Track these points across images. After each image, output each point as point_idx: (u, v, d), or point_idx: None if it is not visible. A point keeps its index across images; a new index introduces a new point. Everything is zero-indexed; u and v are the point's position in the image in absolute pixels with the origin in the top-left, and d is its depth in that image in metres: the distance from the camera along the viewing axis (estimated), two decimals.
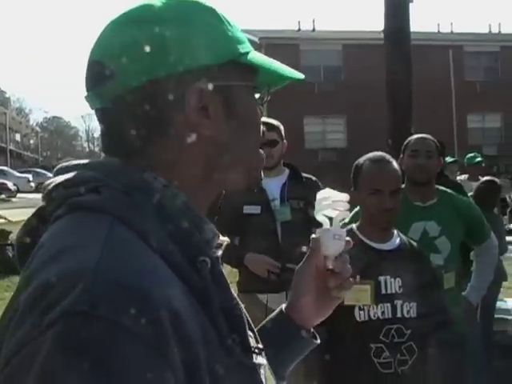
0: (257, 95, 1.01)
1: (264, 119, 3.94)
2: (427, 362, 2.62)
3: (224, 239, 0.98)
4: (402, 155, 3.64)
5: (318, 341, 1.26)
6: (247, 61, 0.96)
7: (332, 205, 1.23)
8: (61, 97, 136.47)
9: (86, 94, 0.96)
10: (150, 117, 0.89)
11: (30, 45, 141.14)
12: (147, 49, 0.88)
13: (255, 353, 0.94)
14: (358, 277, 2.51)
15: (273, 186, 3.78)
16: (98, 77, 0.91)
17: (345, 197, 1.24)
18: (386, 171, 2.64)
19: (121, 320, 0.70)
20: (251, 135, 0.99)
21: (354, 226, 2.77)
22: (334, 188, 1.35)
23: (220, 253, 0.96)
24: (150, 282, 0.75)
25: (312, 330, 1.25)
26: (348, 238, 1.19)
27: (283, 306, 1.25)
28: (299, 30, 31.25)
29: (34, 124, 73.88)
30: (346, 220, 3.08)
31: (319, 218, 1.23)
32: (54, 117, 76.69)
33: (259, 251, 3.60)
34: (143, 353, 0.70)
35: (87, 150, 78.36)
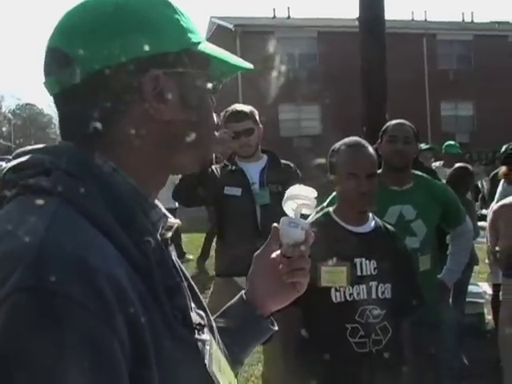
0: (209, 84, 1.05)
1: (237, 107, 3.97)
2: (401, 342, 2.70)
3: (174, 221, 1.03)
4: (379, 140, 3.69)
5: (276, 328, 1.30)
6: (199, 50, 1.00)
7: (298, 196, 1.27)
8: (34, 84, 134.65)
9: (44, 79, 0.99)
10: (105, 102, 0.93)
11: (0, 30, 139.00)
12: (103, 36, 0.92)
13: (197, 329, 0.99)
14: (334, 258, 2.58)
15: (252, 170, 3.83)
16: (57, 63, 0.95)
17: (311, 192, 1.28)
18: (362, 155, 2.70)
19: (68, 292, 0.74)
20: (205, 121, 1.03)
21: (330, 209, 2.83)
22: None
23: (170, 234, 1.02)
24: (94, 256, 0.79)
25: (270, 316, 1.29)
26: (308, 230, 1.23)
27: (243, 291, 1.29)
28: (274, 17, 31.15)
29: (7, 111, 72.83)
30: (325, 204, 3.14)
31: (286, 208, 1.27)
32: (26, 104, 75.59)
33: (239, 232, 3.64)
34: (91, 322, 0.75)
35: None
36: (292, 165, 4.09)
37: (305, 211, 1.27)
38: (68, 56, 0.93)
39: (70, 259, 0.77)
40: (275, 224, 1.25)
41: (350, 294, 2.60)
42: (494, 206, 4.34)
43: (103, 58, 0.92)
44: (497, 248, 4.03)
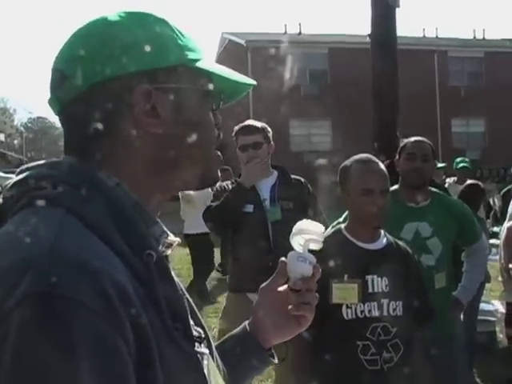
0: (212, 102, 1.06)
1: (249, 122, 3.99)
2: (412, 360, 2.68)
3: (174, 239, 1.04)
4: (397, 157, 3.68)
5: (276, 360, 1.30)
6: (196, 67, 1.02)
7: (306, 231, 1.28)
8: (45, 97, 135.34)
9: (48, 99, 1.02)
10: (100, 118, 0.95)
11: (14, 44, 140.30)
12: (89, 55, 0.95)
13: (197, 341, 1.00)
14: (345, 275, 2.58)
15: (263, 186, 3.84)
16: (56, 82, 0.99)
17: (319, 227, 1.29)
18: (375, 171, 2.69)
19: (78, 297, 0.77)
20: (203, 137, 1.02)
21: (342, 226, 2.82)
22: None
23: (169, 252, 1.04)
24: (101, 263, 0.82)
25: (271, 348, 1.29)
26: (316, 265, 1.25)
27: (246, 322, 1.30)
28: (285, 33, 31.28)
29: (19, 124, 73.39)
30: (341, 219, 3.13)
31: (294, 244, 1.28)
32: (38, 117, 76.06)
33: (251, 248, 3.64)
34: (101, 326, 0.77)
35: None
36: (303, 180, 4.09)
37: (312, 246, 1.28)
38: (63, 74, 0.97)
39: (78, 265, 0.79)
40: (283, 258, 1.26)
41: (362, 311, 2.59)
42: (508, 223, 4.32)
43: (94, 74, 0.94)
44: (510, 266, 4.01)
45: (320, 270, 1.25)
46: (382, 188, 2.66)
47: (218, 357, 1.13)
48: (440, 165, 7.61)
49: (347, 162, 2.77)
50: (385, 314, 2.61)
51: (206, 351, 1.04)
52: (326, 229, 3.46)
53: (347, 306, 2.58)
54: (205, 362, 1.01)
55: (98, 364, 0.75)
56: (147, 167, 0.98)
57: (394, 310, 2.63)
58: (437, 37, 33.49)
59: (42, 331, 0.74)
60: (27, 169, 0.96)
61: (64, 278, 0.77)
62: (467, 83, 30.51)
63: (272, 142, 3.91)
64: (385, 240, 2.75)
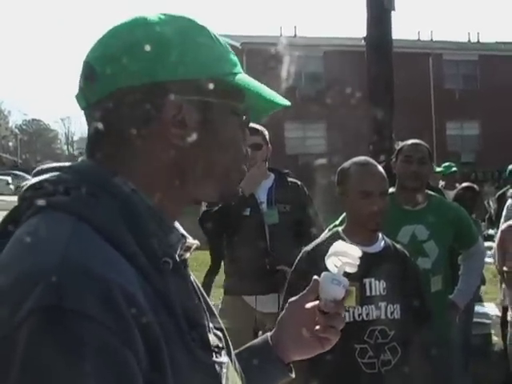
0: (243, 117, 1.03)
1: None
2: (410, 363, 2.68)
3: (193, 242, 1.02)
4: (394, 159, 3.69)
5: (293, 375, 1.29)
6: (233, 82, 0.99)
7: (343, 254, 1.27)
8: (40, 99, 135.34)
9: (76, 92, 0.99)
10: (125, 123, 0.93)
11: (9, 46, 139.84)
12: (126, 55, 0.92)
13: (215, 351, 0.98)
14: None
15: (260, 189, 3.84)
16: (85, 77, 0.96)
17: (357, 251, 1.27)
18: (374, 173, 2.70)
19: (88, 312, 0.75)
20: (229, 153, 1.00)
21: (339, 228, 2.82)
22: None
23: (188, 255, 1.01)
24: (113, 276, 0.79)
25: (290, 363, 1.28)
26: (347, 289, 1.23)
27: (269, 333, 1.30)
28: (281, 35, 31.31)
29: (13, 126, 73.18)
30: (337, 222, 3.12)
31: (328, 264, 1.27)
32: (33, 119, 75.86)
33: (248, 251, 3.64)
34: (110, 342, 0.75)
35: (66, 153, 77.67)
36: (299, 183, 4.10)
37: (348, 270, 1.27)
38: (94, 70, 0.94)
39: (88, 278, 0.77)
40: (316, 277, 1.25)
41: (359, 315, 2.58)
42: (502, 226, 4.33)
43: (127, 76, 0.92)
44: (505, 268, 4.02)
45: (348, 293, 1.24)
46: (381, 190, 2.66)
47: (236, 362, 1.11)
48: (438, 169, 7.60)
49: (346, 164, 2.77)
50: (382, 317, 2.61)
51: (226, 359, 1.02)
52: (321, 232, 3.45)
53: (345, 309, 2.58)
54: (224, 371, 0.99)
55: (106, 378, 0.74)
56: (167, 177, 0.95)
57: (392, 313, 2.63)
58: (432, 40, 33.61)
59: (50, 345, 0.73)
60: (44, 170, 0.94)
61: (74, 291, 0.76)
62: (462, 86, 30.59)
63: (270, 146, 3.91)
64: (383, 243, 2.76)
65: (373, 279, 2.62)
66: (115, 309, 0.77)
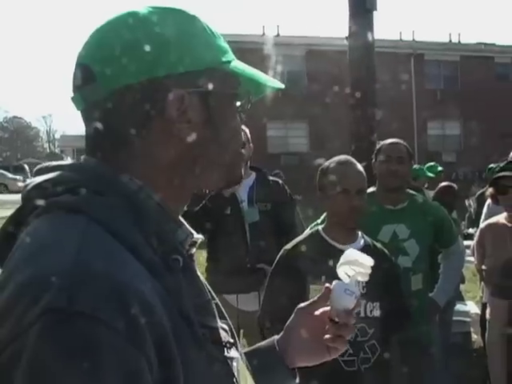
0: (238, 103, 1.04)
1: None
2: (389, 361, 2.70)
3: (198, 237, 1.02)
4: (374, 159, 3.70)
5: (297, 380, 1.29)
6: (229, 69, 0.99)
7: (355, 263, 1.27)
8: (22, 97, 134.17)
9: (72, 95, 0.98)
10: (128, 120, 0.92)
11: None
12: (124, 54, 0.91)
13: (226, 347, 0.98)
14: (323, 277, 2.58)
15: (240, 188, 3.84)
16: (82, 79, 0.94)
17: (369, 260, 1.28)
18: (351, 171, 2.71)
19: (98, 315, 0.73)
20: (230, 140, 1.01)
21: (319, 227, 2.83)
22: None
23: (194, 250, 1.01)
24: (124, 278, 0.78)
25: (294, 369, 1.28)
26: (358, 299, 1.23)
27: (276, 336, 1.30)
28: (263, 34, 31.30)
29: None
30: (319, 221, 3.14)
31: (339, 272, 1.27)
32: (14, 117, 75.25)
33: (228, 250, 3.64)
34: (120, 345, 0.74)
35: (48, 151, 77.21)
36: (280, 182, 4.11)
37: (360, 279, 1.27)
38: (92, 72, 0.93)
39: (102, 282, 0.76)
40: (327, 284, 1.25)
41: None
42: (481, 224, 4.37)
43: (126, 75, 0.91)
44: (483, 267, 4.05)
45: (360, 304, 1.25)
46: (358, 188, 2.67)
47: (245, 357, 1.11)
48: (430, 174, 7.53)
49: (326, 163, 2.78)
50: (362, 315, 2.62)
51: (236, 355, 1.02)
52: (302, 230, 3.46)
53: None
54: (234, 365, 0.99)
55: (115, 382, 0.72)
56: (173, 170, 0.95)
57: (372, 311, 2.64)
58: (413, 40, 33.72)
59: (58, 347, 0.71)
60: (47, 169, 0.93)
61: (85, 293, 0.74)
62: (443, 86, 30.78)
63: (251, 144, 3.92)
64: (362, 241, 2.77)
65: None
66: (129, 314, 0.75)
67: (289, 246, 2.78)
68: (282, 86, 1.09)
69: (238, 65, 1.02)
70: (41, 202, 0.86)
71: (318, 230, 2.80)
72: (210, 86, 0.96)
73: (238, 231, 3.72)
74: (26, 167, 38.14)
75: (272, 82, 1.07)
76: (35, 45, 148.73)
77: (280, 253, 2.77)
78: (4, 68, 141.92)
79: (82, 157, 0.98)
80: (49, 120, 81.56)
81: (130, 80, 0.91)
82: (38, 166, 0.95)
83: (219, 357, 0.95)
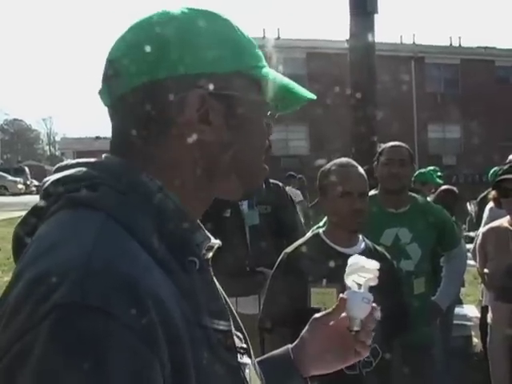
0: (266, 111, 1.02)
1: None
2: (391, 364, 2.68)
3: (215, 242, 1.01)
4: (376, 163, 3.69)
5: None
6: (258, 75, 0.97)
7: (361, 270, 1.26)
8: (22, 99, 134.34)
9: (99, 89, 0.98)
10: (149, 118, 0.91)
11: None
12: (148, 49, 0.90)
13: (240, 353, 0.97)
14: (324, 280, 2.57)
15: None
16: (108, 74, 0.94)
17: (374, 264, 1.27)
18: (353, 174, 2.69)
19: (112, 311, 0.72)
20: (253, 147, 0.99)
21: (320, 230, 2.82)
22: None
23: (210, 255, 1.00)
24: (141, 276, 0.77)
25: (307, 378, 1.28)
26: (374, 304, 1.23)
27: (290, 346, 1.29)
28: (264, 37, 31.34)
29: None
30: (321, 223, 3.13)
31: (348, 281, 1.27)
32: (14, 119, 75.28)
33: (229, 253, 3.62)
34: (133, 343, 0.73)
35: (48, 153, 77.33)
36: (281, 184, 4.09)
37: (372, 284, 1.27)
38: (116, 68, 0.92)
39: (116, 278, 0.75)
40: (342, 295, 1.25)
41: None
42: (484, 228, 4.35)
43: (146, 71, 0.90)
44: (485, 270, 4.04)
45: (378, 309, 1.25)
46: (360, 191, 2.66)
47: (256, 365, 1.10)
48: (439, 180, 7.49)
49: (326, 166, 2.77)
50: None
51: (249, 361, 1.01)
52: (303, 233, 3.44)
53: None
54: (247, 372, 0.98)
55: (126, 379, 0.71)
56: (191, 173, 0.93)
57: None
58: (414, 43, 33.75)
59: (69, 343, 0.70)
60: (68, 166, 0.92)
61: (99, 289, 0.73)
62: (444, 89, 30.82)
63: None
64: (363, 245, 2.76)
65: None
66: (142, 311, 0.75)
67: (289, 249, 2.77)
68: (314, 96, 1.05)
69: (268, 72, 0.99)
70: (60, 198, 0.86)
71: (318, 233, 2.79)
72: (235, 90, 0.94)
73: (237, 234, 3.70)
74: (27, 169, 38.21)
75: (303, 92, 1.04)
76: (36, 47, 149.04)
77: (281, 256, 2.75)
78: (4, 70, 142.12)
79: (104, 155, 0.97)
80: (49, 122, 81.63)
81: (149, 77, 0.90)
82: (59, 164, 0.95)
83: (232, 363, 0.94)
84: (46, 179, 0.92)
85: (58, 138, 75.51)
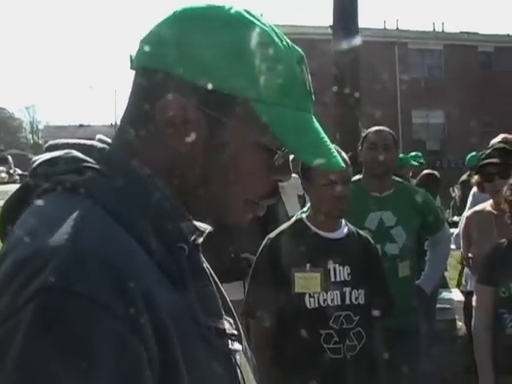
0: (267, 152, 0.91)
1: None
2: (375, 348, 2.70)
3: (206, 227, 0.99)
4: (360, 148, 3.69)
5: None
6: (252, 107, 0.88)
7: None
8: (4, 88, 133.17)
9: None
10: (143, 105, 0.90)
11: None
12: (166, 40, 0.88)
13: (230, 338, 0.95)
14: (308, 265, 2.58)
15: None
16: (136, 51, 0.93)
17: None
18: None
19: (96, 295, 0.71)
20: (228, 184, 0.91)
21: (303, 215, 2.82)
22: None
23: (201, 240, 0.98)
24: (126, 262, 0.76)
25: None
26: None
27: None
28: None
29: None
30: (305, 209, 3.13)
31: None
32: None
33: (212, 240, 3.62)
34: (118, 328, 0.71)
35: (31, 142, 76.76)
36: None
37: None
38: (141, 47, 0.91)
39: (100, 262, 0.73)
40: None
41: (324, 300, 2.59)
42: (467, 212, 4.37)
43: (155, 60, 0.89)
44: (469, 255, 4.06)
45: None
46: (343, 177, 2.66)
47: (248, 349, 1.08)
48: (413, 162, 7.51)
49: None
50: (347, 302, 2.62)
51: (239, 347, 0.99)
52: (286, 219, 3.43)
53: (310, 295, 2.59)
54: (237, 357, 0.97)
55: (113, 371, 0.70)
56: (168, 177, 0.90)
57: (357, 298, 2.64)
58: (397, 29, 33.80)
59: (53, 329, 0.69)
60: (56, 146, 0.90)
61: (83, 274, 0.72)
62: (427, 75, 30.90)
63: None
64: (346, 229, 2.77)
65: (337, 265, 2.63)
66: (127, 297, 0.73)
67: (272, 234, 2.77)
68: (343, 165, 0.96)
69: (271, 111, 0.89)
70: (47, 180, 0.85)
71: (301, 219, 2.79)
72: (227, 117, 0.88)
73: (224, 231, 3.69)
74: (10, 158, 38.00)
75: (333, 159, 0.94)
76: (17, 35, 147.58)
77: (264, 241, 2.76)
78: None
79: (97, 136, 0.95)
80: (32, 111, 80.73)
81: (154, 65, 0.89)
82: (50, 142, 0.93)
83: (224, 349, 0.93)
84: (34, 158, 0.90)
85: (41, 127, 75.16)
